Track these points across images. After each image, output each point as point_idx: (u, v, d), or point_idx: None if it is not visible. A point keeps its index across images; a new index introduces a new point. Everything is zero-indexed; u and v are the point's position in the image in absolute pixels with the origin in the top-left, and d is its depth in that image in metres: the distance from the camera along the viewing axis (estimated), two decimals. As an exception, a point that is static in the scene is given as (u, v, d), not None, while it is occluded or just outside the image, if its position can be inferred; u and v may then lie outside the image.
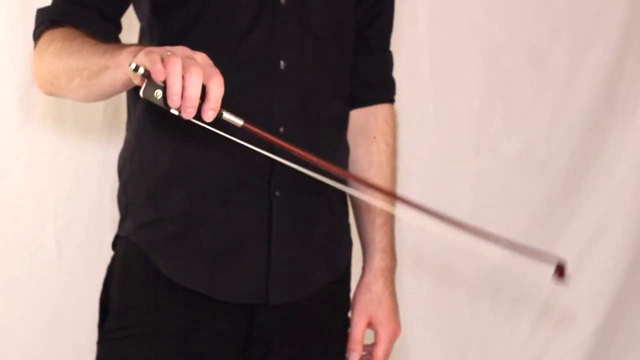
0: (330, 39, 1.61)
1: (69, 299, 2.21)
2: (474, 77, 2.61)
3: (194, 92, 1.17)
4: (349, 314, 1.71)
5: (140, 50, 1.24)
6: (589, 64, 2.67)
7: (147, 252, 1.56)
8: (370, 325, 1.70)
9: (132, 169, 1.60)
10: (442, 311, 2.65)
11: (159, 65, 1.17)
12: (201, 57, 1.21)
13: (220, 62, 1.23)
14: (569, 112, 2.68)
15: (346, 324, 1.70)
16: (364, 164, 1.72)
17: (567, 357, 2.74)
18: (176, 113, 1.19)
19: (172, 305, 1.55)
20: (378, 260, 1.71)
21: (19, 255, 2.19)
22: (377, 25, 1.72)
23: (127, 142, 1.64)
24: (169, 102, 1.18)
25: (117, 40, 1.54)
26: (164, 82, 1.18)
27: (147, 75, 1.18)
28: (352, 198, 1.73)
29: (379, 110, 1.74)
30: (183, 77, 1.17)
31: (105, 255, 1.65)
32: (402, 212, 1.43)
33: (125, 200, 1.61)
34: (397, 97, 1.78)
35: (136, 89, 1.44)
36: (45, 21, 1.50)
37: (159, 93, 1.19)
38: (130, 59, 1.24)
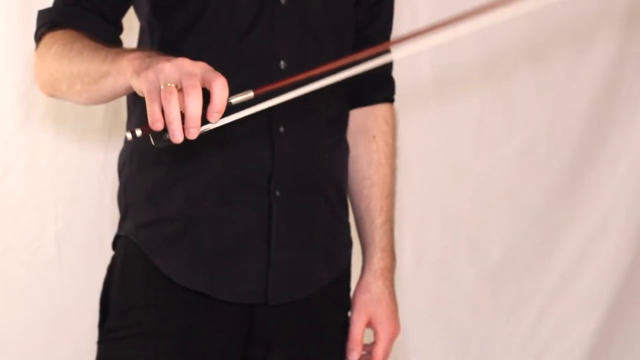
0: (330, 39, 1.61)
1: (69, 299, 2.21)
2: (474, 77, 2.61)
3: (194, 113, 1.16)
4: (349, 314, 1.71)
5: (140, 61, 1.23)
6: (589, 64, 2.67)
7: (147, 251, 1.56)
8: (369, 324, 1.70)
9: (132, 169, 1.60)
10: (442, 311, 2.65)
11: (156, 116, 1.16)
12: (201, 67, 1.20)
13: (220, 61, 1.23)
14: (569, 112, 2.68)
15: (346, 323, 1.70)
16: (364, 163, 1.72)
17: (567, 357, 2.74)
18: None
19: (172, 305, 1.55)
20: (378, 260, 1.71)
21: (19, 255, 2.19)
22: (376, 25, 1.72)
23: (127, 142, 1.64)
24: (172, 139, 1.18)
25: (118, 41, 1.54)
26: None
27: (146, 131, 1.19)
28: (352, 198, 1.74)
29: (379, 110, 1.74)
30: (183, 99, 1.16)
31: (105, 255, 1.65)
32: (402, 51, 1.38)
33: (125, 200, 1.61)
34: (397, 97, 1.78)
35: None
36: (46, 23, 1.50)
37: (166, 136, 1.19)
38: (131, 68, 1.23)
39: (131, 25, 1.64)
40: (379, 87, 1.75)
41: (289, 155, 1.56)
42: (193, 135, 1.17)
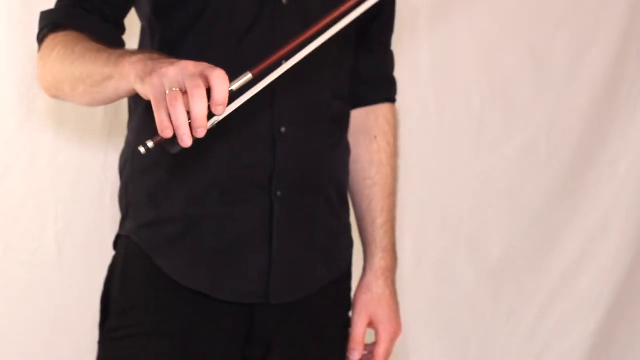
0: (331, 38, 1.61)
1: (70, 299, 2.21)
2: (474, 77, 2.61)
3: (200, 113, 1.17)
4: (350, 314, 1.71)
5: (142, 65, 1.23)
6: (589, 64, 2.67)
7: (148, 251, 1.56)
8: (371, 324, 1.70)
9: (133, 169, 1.60)
10: (442, 311, 2.65)
11: (165, 123, 1.17)
12: (202, 66, 1.20)
13: (220, 61, 1.23)
14: (569, 112, 2.68)
15: (347, 323, 1.70)
16: (365, 163, 1.72)
17: (567, 357, 2.74)
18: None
19: (173, 304, 1.55)
20: (379, 260, 1.71)
21: (19, 255, 2.19)
22: (378, 24, 1.72)
23: (129, 142, 1.64)
24: (181, 143, 1.19)
25: (120, 42, 1.53)
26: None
27: (157, 142, 1.20)
28: (353, 198, 1.74)
29: (380, 110, 1.75)
30: (188, 101, 1.17)
31: (106, 255, 1.65)
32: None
33: (127, 199, 1.61)
34: (397, 97, 1.78)
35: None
36: (49, 24, 1.49)
37: (177, 140, 1.20)
38: (133, 71, 1.23)
39: (132, 26, 1.64)
40: (380, 87, 1.75)
41: (290, 155, 1.56)
42: (201, 134, 1.18)
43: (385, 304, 1.70)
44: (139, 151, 1.21)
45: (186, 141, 1.18)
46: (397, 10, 1.77)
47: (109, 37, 1.47)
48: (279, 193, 1.56)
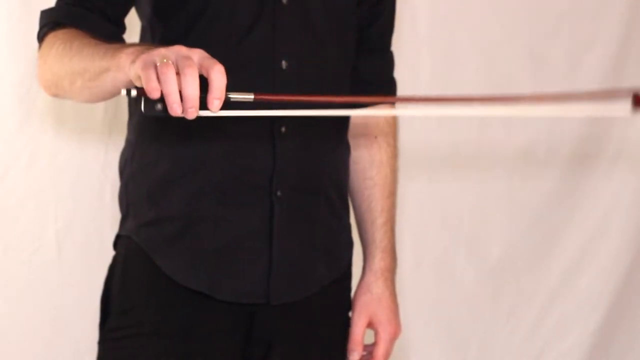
0: (331, 39, 1.61)
1: (69, 299, 2.21)
2: (474, 77, 2.61)
3: (192, 93, 1.16)
4: (350, 314, 1.71)
5: (138, 53, 1.23)
6: (589, 64, 2.67)
7: (148, 251, 1.56)
8: (370, 325, 1.70)
9: (133, 168, 1.60)
10: (442, 311, 2.65)
11: (153, 83, 1.16)
12: (198, 53, 1.20)
13: (221, 61, 1.23)
14: (569, 112, 2.68)
15: (347, 323, 1.70)
16: (365, 163, 1.72)
17: (567, 357, 2.74)
18: (181, 115, 1.19)
19: (173, 304, 1.55)
20: (378, 260, 1.71)
21: (19, 255, 2.19)
22: (378, 25, 1.72)
23: (128, 142, 1.64)
24: (170, 111, 1.17)
25: (120, 41, 1.53)
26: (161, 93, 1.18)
27: (141, 93, 1.18)
28: (353, 198, 1.74)
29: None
30: (179, 79, 1.17)
31: (106, 255, 1.65)
32: (406, 111, 1.38)
33: (127, 199, 1.61)
34: (397, 97, 1.78)
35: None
36: (48, 23, 1.49)
37: (159, 105, 1.18)
38: (129, 62, 1.23)
39: (132, 25, 1.63)
40: (380, 88, 1.75)
41: (290, 155, 1.56)
42: (192, 115, 1.17)
43: (384, 305, 1.70)
44: (122, 93, 1.18)
45: (176, 109, 1.16)
46: (397, 11, 1.77)
47: (110, 36, 1.47)
48: (279, 193, 1.56)
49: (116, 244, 1.63)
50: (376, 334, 1.70)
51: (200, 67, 1.17)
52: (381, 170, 1.72)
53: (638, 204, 2.74)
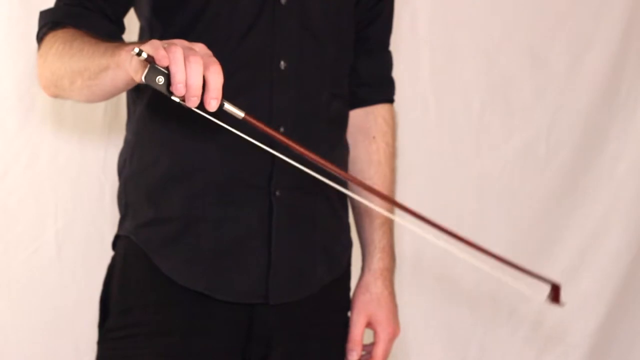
0: (330, 39, 1.61)
1: (69, 299, 2.21)
2: (474, 77, 2.61)
3: (196, 81, 1.17)
4: (349, 314, 1.71)
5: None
6: (589, 64, 2.67)
7: (147, 251, 1.56)
8: (369, 325, 1.70)
9: (132, 169, 1.60)
10: (442, 312, 2.65)
11: (162, 52, 1.18)
12: (200, 47, 1.21)
13: (220, 61, 1.23)
14: (569, 112, 2.68)
15: (346, 323, 1.70)
16: (363, 163, 1.73)
17: (567, 357, 2.74)
18: (177, 100, 1.19)
19: (172, 304, 1.55)
20: (377, 260, 1.71)
21: (19, 255, 2.19)
22: (377, 25, 1.72)
23: (127, 142, 1.64)
24: (174, 90, 1.17)
25: (120, 41, 1.53)
26: (167, 69, 1.18)
27: (150, 60, 1.18)
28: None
29: (379, 110, 1.75)
30: (185, 66, 1.17)
31: (106, 255, 1.65)
32: (400, 217, 1.42)
33: (125, 199, 1.61)
34: (397, 97, 1.78)
35: (137, 88, 1.45)
36: (48, 23, 1.50)
37: (161, 79, 1.18)
38: (129, 59, 1.23)
39: (131, 25, 1.64)
40: (378, 88, 1.75)
41: (288, 151, 1.56)
42: (193, 103, 1.17)
43: (383, 305, 1.70)
44: (134, 52, 1.17)
45: (180, 89, 1.16)
46: (397, 11, 1.77)
47: (109, 36, 1.47)
48: (278, 193, 1.56)
49: (115, 244, 1.63)
50: (375, 334, 1.70)
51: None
52: (379, 170, 1.72)
53: (638, 204, 2.74)
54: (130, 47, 1.26)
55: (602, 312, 2.74)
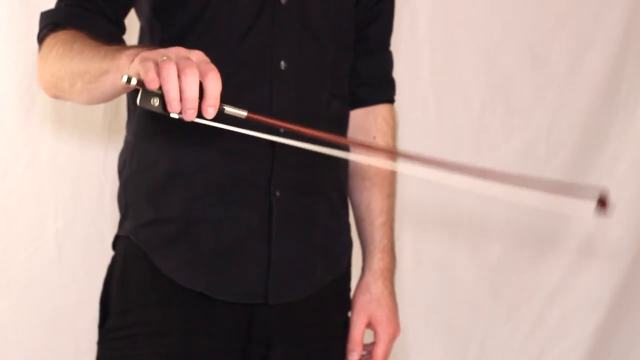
0: (330, 39, 1.61)
1: (69, 299, 2.21)
2: (474, 77, 2.61)
3: (192, 94, 1.16)
4: (349, 314, 1.71)
5: (138, 55, 1.23)
6: (589, 64, 2.67)
7: (147, 251, 1.56)
8: (369, 325, 1.70)
9: (132, 169, 1.60)
10: (442, 311, 2.65)
11: (152, 74, 1.15)
12: (196, 55, 1.20)
13: (220, 62, 1.23)
14: (569, 112, 2.68)
15: (346, 323, 1.70)
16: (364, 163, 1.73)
17: (567, 357, 2.74)
18: (177, 117, 1.18)
19: (172, 304, 1.55)
20: (377, 261, 1.71)
21: (19, 255, 2.19)
22: (377, 25, 1.73)
23: (127, 142, 1.64)
24: (169, 109, 1.16)
25: (121, 42, 1.53)
26: (160, 89, 1.16)
27: (140, 85, 1.17)
28: (352, 198, 1.74)
29: (379, 110, 1.75)
30: (180, 79, 1.16)
31: (106, 255, 1.65)
32: (405, 168, 1.39)
33: (125, 200, 1.61)
34: (397, 97, 1.78)
35: (136, 90, 1.44)
36: (49, 24, 1.50)
37: (155, 100, 1.17)
38: (129, 63, 1.23)
39: (131, 25, 1.64)
40: (379, 88, 1.75)
41: (289, 155, 1.56)
42: (190, 116, 1.16)
43: (384, 305, 1.70)
44: (122, 80, 1.16)
45: (175, 107, 1.14)
46: (397, 11, 1.77)
47: (110, 36, 1.47)
48: (277, 193, 1.56)
49: (115, 244, 1.63)
50: (375, 334, 1.70)
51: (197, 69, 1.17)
52: (380, 171, 1.72)
53: (638, 204, 2.74)
54: (130, 51, 1.26)
55: (602, 312, 2.74)
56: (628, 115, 2.71)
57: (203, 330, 1.56)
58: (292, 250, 1.58)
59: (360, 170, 1.73)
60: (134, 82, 1.16)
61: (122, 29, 1.58)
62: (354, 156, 1.43)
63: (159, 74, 1.15)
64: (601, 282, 2.73)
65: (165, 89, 1.15)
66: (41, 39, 1.50)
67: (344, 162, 1.69)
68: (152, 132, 1.57)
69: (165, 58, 1.17)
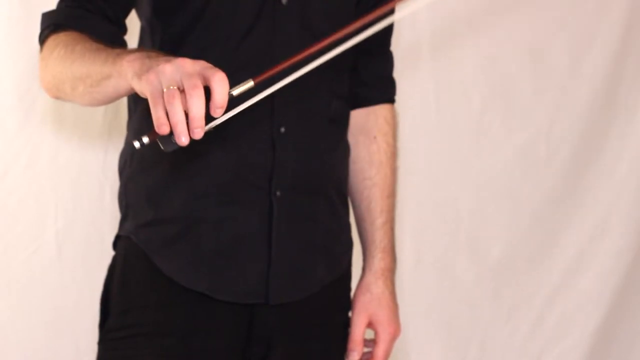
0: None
1: (69, 299, 2.21)
2: (474, 77, 2.61)
3: (198, 113, 1.16)
4: (350, 314, 1.71)
5: (139, 62, 1.22)
6: (589, 64, 2.67)
7: (147, 252, 1.56)
8: (370, 325, 1.70)
9: (132, 169, 1.60)
10: (442, 311, 2.65)
11: (162, 120, 1.16)
12: (200, 65, 1.19)
13: (220, 62, 1.23)
14: (569, 112, 2.68)
15: (346, 323, 1.70)
16: (364, 163, 1.73)
17: (567, 357, 2.74)
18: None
19: (172, 305, 1.56)
20: (378, 261, 1.71)
21: (19, 255, 2.19)
22: (377, 25, 1.72)
23: (128, 142, 1.64)
24: (178, 142, 1.17)
25: (122, 42, 1.53)
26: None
27: (154, 136, 1.19)
28: (353, 198, 1.74)
29: (380, 110, 1.75)
30: (186, 101, 1.16)
31: (106, 255, 1.65)
32: (406, 9, 1.35)
33: (126, 200, 1.61)
34: (397, 97, 1.78)
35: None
36: (50, 25, 1.49)
37: (173, 138, 1.18)
38: (131, 71, 1.23)
39: (131, 25, 1.63)
40: (379, 88, 1.75)
41: (289, 155, 1.56)
42: (198, 135, 1.17)
43: (384, 305, 1.70)
44: (135, 146, 1.20)
45: (183, 140, 1.17)
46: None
47: (111, 37, 1.47)
48: (278, 193, 1.56)
49: (116, 244, 1.63)
50: (376, 334, 1.71)
51: (203, 78, 1.17)
52: (380, 170, 1.72)
53: (638, 204, 2.74)
54: (130, 57, 1.25)
55: (602, 312, 2.74)
56: (628, 115, 2.71)
57: (203, 331, 1.56)
58: (292, 250, 1.58)
59: (361, 170, 1.73)
60: (146, 140, 1.20)
61: (123, 30, 1.58)
62: (358, 37, 1.38)
63: (166, 112, 1.16)
64: (601, 282, 2.73)
65: (173, 123, 1.16)
66: (42, 40, 1.50)
67: (344, 162, 1.69)
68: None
69: (172, 87, 1.16)
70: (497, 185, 2.66)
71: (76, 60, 1.37)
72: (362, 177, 1.73)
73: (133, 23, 1.63)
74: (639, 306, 2.78)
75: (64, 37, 1.44)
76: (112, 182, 2.17)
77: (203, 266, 1.55)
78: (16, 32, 2.11)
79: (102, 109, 2.21)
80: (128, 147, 1.63)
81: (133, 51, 1.31)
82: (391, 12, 1.32)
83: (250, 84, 1.22)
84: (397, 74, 1.79)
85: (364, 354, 1.70)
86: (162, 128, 1.17)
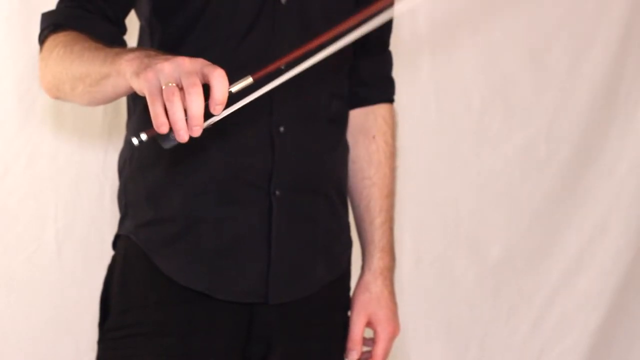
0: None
1: (69, 299, 2.21)
2: (474, 77, 2.61)
3: (197, 111, 1.16)
4: (349, 313, 1.71)
5: (138, 61, 1.22)
6: (589, 64, 2.67)
7: (147, 251, 1.56)
8: (369, 324, 1.70)
9: (132, 169, 1.60)
10: (442, 311, 2.65)
11: (161, 118, 1.16)
12: (199, 63, 1.19)
13: (220, 62, 1.23)
14: (569, 112, 2.68)
15: (346, 322, 1.70)
16: (363, 163, 1.73)
17: (567, 357, 2.74)
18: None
19: (172, 304, 1.56)
20: (377, 260, 1.71)
21: (19, 255, 2.19)
22: (376, 25, 1.72)
23: (128, 142, 1.64)
24: (178, 138, 1.18)
25: (121, 42, 1.53)
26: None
27: (153, 133, 1.19)
28: (352, 197, 1.74)
29: (379, 110, 1.75)
30: (185, 99, 1.16)
31: (106, 254, 1.65)
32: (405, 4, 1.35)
33: (126, 199, 1.61)
34: (397, 97, 1.78)
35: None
36: (49, 25, 1.49)
37: (172, 135, 1.19)
38: (130, 70, 1.23)
39: (131, 25, 1.64)
40: (378, 87, 1.75)
41: (289, 155, 1.56)
42: (197, 132, 1.17)
43: (383, 304, 1.70)
44: (134, 143, 1.20)
45: (183, 136, 1.17)
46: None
47: (111, 37, 1.47)
48: (277, 193, 1.56)
49: (115, 244, 1.63)
50: (375, 333, 1.71)
51: (202, 76, 1.17)
52: (379, 170, 1.72)
53: (638, 204, 2.74)
54: (129, 56, 1.25)
55: (602, 312, 2.74)
56: (628, 115, 2.71)
57: (203, 330, 1.56)
58: (292, 249, 1.58)
59: (360, 169, 1.73)
60: (144, 137, 1.19)
61: (123, 30, 1.58)
62: (358, 32, 1.38)
63: (165, 110, 1.16)
64: (601, 282, 2.73)
65: (172, 121, 1.16)
66: (42, 40, 1.50)
67: (344, 161, 1.69)
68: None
69: (170, 85, 1.16)
70: (497, 185, 2.67)
71: (75, 60, 1.38)
72: (361, 177, 1.73)
73: (133, 23, 1.63)
74: (639, 306, 2.78)
75: (63, 37, 1.44)
76: (112, 182, 2.17)
77: (203, 266, 1.55)
78: (16, 32, 2.11)
79: (101, 108, 2.21)
80: (127, 147, 1.63)
81: (132, 50, 1.31)
82: (390, 4, 1.32)
83: (249, 80, 1.22)
84: (397, 73, 1.79)
85: (363, 353, 1.70)
86: (161, 127, 1.17)
